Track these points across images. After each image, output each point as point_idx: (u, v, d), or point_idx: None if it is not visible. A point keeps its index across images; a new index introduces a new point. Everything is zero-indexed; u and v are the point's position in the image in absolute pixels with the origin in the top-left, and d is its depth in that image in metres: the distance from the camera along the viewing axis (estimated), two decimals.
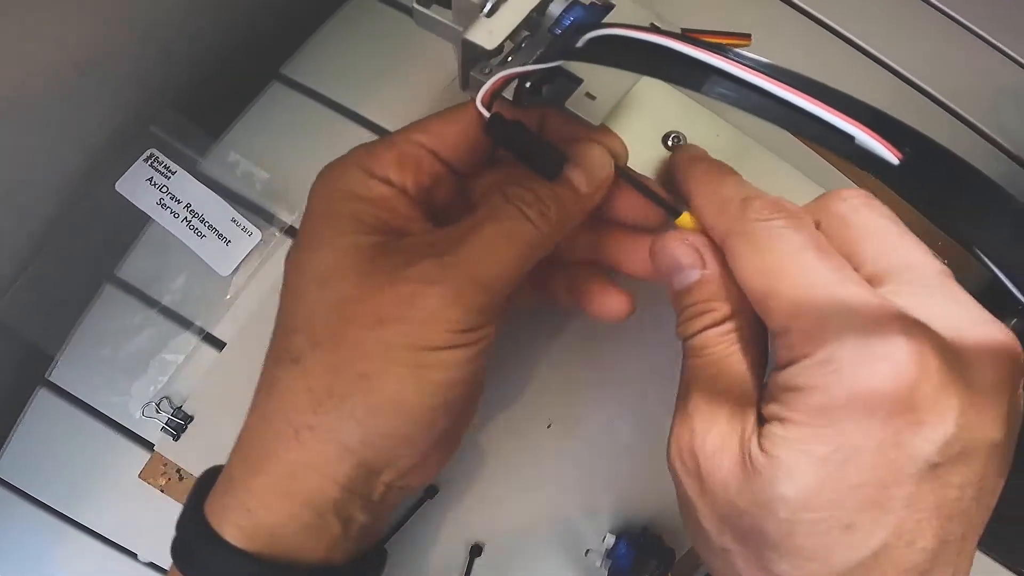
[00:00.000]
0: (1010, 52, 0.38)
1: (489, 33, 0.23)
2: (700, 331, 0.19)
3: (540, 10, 0.24)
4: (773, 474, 0.16)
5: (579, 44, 0.20)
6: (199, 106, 0.33)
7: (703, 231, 0.20)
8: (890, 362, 0.15)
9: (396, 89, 0.33)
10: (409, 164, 0.21)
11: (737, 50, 0.17)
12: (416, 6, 0.24)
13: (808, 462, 0.16)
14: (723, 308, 0.19)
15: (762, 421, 0.18)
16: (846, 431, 0.15)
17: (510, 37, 0.24)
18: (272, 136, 0.32)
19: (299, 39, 0.34)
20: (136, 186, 0.31)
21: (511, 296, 0.21)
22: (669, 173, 0.23)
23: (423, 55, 0.33)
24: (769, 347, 0.20)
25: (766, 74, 0.16)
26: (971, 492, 0.16)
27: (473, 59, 0.25)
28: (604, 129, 0.24)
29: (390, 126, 0.33)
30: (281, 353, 0.20)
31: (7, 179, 0.30)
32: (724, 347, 0.19)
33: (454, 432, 0.23)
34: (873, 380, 0.15)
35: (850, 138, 0.15)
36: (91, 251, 0.32)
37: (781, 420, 0.17)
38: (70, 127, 0.31)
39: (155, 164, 0.32)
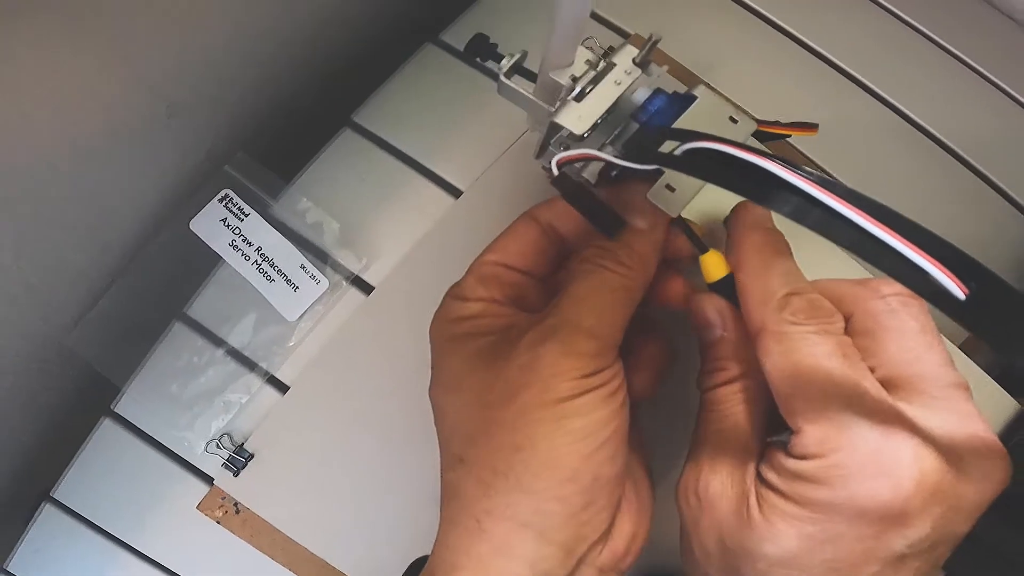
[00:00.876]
0: (1011, 91, 0.38)
1: (579, 118, 0.24)
2: (713, 387, 0.22)
3: (627, 98, 0.25)
4: (763, 534, 0.19)
5: (678, 152, 0.20)
6: (273, 149, 0.34)
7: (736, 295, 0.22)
8: (893, 479, 0.18)
9: (462, 143, 0.33)
10: (490, 281, 0.24)
11: (828, 179, 0.17)
12: (502, 78, 0.25)
13: (795, 534, 0.19)
14: (735, 369, 0.22)
15: (762, 479, 0.20)
16: (836, 522, 0.18)
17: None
18: (342, 183, 0.33)
19: (371, 86, 0.34)
20: (210, 226, 0.32)
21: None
22: (718, 220, 0.25)
23: (489, 110, 0.34)
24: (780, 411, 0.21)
25: (859, 207, 0.16)
26: (928, 567, 0.19)
27: (554, 134, 0.25)
28: None
29: (456, 181, 0.33)
30: (449, 461, 0.22)
31: (90, 213, 0.31)
32: (732, 405, 0.22)
33: (632, 492, 0.23)
34: (874, 493, 0.18)
35: (923, 272, 0.15)
36: (163, 287, 0.33)
37: (783, 495, 0.19)
38: (151, 165, 0.32)
39: (229, 205, 0.32)
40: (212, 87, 0.31)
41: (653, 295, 0.25)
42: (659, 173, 0.24)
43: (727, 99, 0.25)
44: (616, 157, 0.22)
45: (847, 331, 0.20)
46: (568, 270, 0.23)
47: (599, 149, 0.25)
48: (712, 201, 0.25)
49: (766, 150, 0.18)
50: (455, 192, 0.33)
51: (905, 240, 0.15)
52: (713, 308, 0.22)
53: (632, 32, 0.37)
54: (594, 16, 0.37)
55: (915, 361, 0.20)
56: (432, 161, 0.33)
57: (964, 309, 0.15)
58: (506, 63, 0.25)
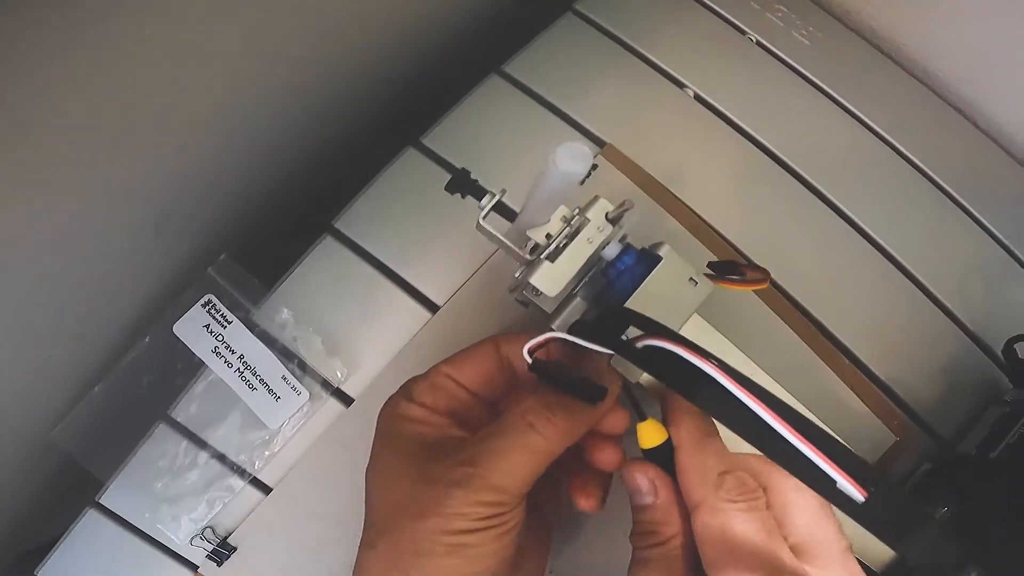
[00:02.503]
0: (988, 225, 0.41)
1: (552, 280, 0.26)
2: (645, 547, 0.25)
3: (598, 254, 0.27)
4: None
5: (639, 346, 0.22)
6: (255, 247, 0.35)
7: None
8: None
9: (440, 255, 0.35)
10: (439, 390, 0.27)
11: (775, 397, 0.20)
12: (480, 221, 0.27)
13: None
14: (667, 530, 0.24)
15: None
16: None
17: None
18: (322, 293, 0.34)
19: (351, 191, 0.35)
20: (193, 331, 0.33)
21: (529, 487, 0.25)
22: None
23: (467, 222, 0.35)
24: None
25: (789, 422, 0.19)
26: None
27: (527, 285, 0.27)
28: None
29: (433, 295, 0.35)
30: (365, 538, 0.25)
31: (76, 319, 0.32)
32: (663, 563, 0.24)
33: None
34: None
35: (832, 481, 0.18)
36: (147, 388, 0.34)
37: None
38: (138, 272, 0.32)
39: (212, 311, 0.33)
40: (199, 194, 0.32)
41: (588, 454, 0.27)
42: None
43: (686, 261, 0.27)
44: (581, 338, 0.24)
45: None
46: (506, 407, 0.26)
47: (568, 299, 0.27)
48: None
49: (721, 360, 0.20)
50: (432, 307, 0.35)
51: (825, 455, 0.18)
52: (646, 477, 0.25)
53: (607, 140, 0.39)
54: (569, 121, 0.39)
55: (817, 531, 0.24)
56: (410, 273, 0.35)
57: (862, 510, 0.18)
58: (486, 203, 0.27)
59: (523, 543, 0.25)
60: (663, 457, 0.25)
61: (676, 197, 0.38)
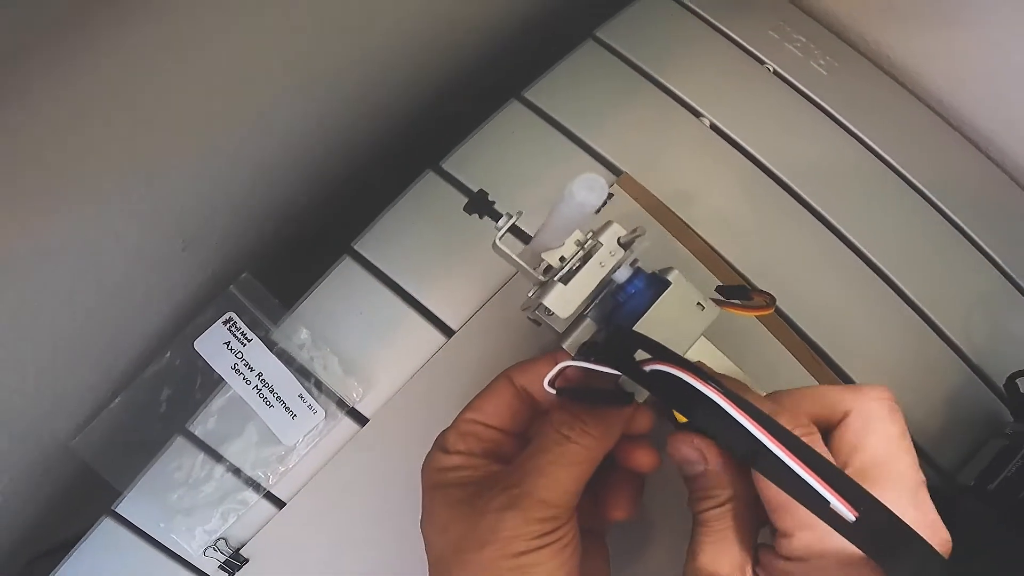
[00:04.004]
0: (997, 259, 0.41)
1: (565, 303, 0.26)
2: (705, 511, 0.25)
3: (609, 277, 0.27)
4: None
5: (646, 370, 0.23)
6: (277, 266, 0.36)
7: None
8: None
9: (456, 279, 0.35)
10: (469, 436, 0.28)
11: (772, 420, 0.21)
12: (496, 241, 0.27)
13: None
14: (723, 494, 0.25)
15: None
16: None
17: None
18: (340, 315, 0.35)
19: (370, 214, 0.36)
20: (213, 347, 0.34)
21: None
22: None
23: (484, 246, 0.36)
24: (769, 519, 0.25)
25: (789, 448, 0.20)
26: None
27: (540, 305, 0.27)
28: None
29: (448, 319, 0.35)
30: None
31: (102, 337, 0.32)
32: (723, 523, 0.25)
33: None
34: None
35: (825, 501, 0.20)
36: (166, 402, 0.34)
37: None
38: (162, 291, 0.33)
39: (232, 329, 0.34)
40: (224, 216, 0.33)
41: (623, 459, 0.28)
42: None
43: (694, 287, 0.28)
44: (591, 358, 0.25)
45: (842, 426, 0.24)
46: (538, 429, 0.26)
47: (579, 320, 0.28)
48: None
49: (721, 384, 0.21)
50: (447, 331, 0.35)
51: (822, 480, 0.20)
52: (691, 447, 0.25)
53: (623, 169, 0.39)
54: (586, 149, 0.40)
55: (892, 460, 0.24)
56: (427, 297, 0.35)
57: (853, 529, 0.19)
58: (503, 224, 0.27)
59: (585, 567, 0.26)
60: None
61: (687, 225, 0.39)
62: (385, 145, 0.41)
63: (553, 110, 0.40)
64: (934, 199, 0.42)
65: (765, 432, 0.20)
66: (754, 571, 0.24)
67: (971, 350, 0.39)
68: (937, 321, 0.39)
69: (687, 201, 0.39)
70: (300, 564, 0.35)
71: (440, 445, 0.28)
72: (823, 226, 0.40)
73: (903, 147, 0.43)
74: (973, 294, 0.40)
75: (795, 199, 0.41)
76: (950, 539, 0.23)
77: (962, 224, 0.42)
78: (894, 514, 0.20)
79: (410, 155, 0.39)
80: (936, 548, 0.22)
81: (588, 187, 0.21)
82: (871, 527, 0.19)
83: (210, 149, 0.30)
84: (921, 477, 0.24)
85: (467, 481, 0.26)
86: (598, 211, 0.22)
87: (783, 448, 0.20)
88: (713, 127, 0.42)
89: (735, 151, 0.41)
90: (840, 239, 0.40)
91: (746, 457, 0.21)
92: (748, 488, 0.25)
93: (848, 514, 0.19)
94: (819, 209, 0.40)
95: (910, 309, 0.39)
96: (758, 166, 0.41)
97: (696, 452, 0.25)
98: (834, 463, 0.20)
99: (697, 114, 0.42)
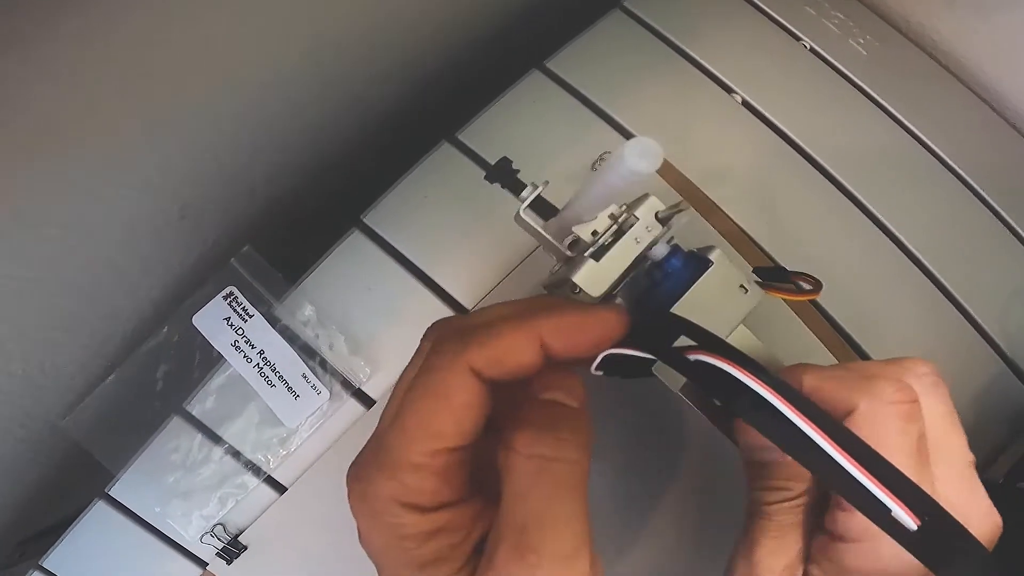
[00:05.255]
0: None
1: (596, 281, 0.24)
2: (772, 503, 0.22)
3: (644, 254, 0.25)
4: None
5: (691, 359, 0.21)
6: (280, 240, 0.34)
7: None
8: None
9: (471, 256, 0.33)
10: (447, 473, 0.20)
11: (832, 421, 0.18)
12: (520, 212, 0.25)
13: None
14: (796, 487, 0.22)
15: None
16: None
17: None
18: (347, 290, 0.33)
19: (380, 188, 0.34)
20: (213, 323, 0.32)
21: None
22: None
23: (501, 222, 0.34)
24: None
25: (844, 448, 0.18)
26: None
27: (567, 283, 0.25)
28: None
29: (461, 298, 0.33)
30: None
31: (95, 313, 0.30)
32: (791, 517, 0.22)
33: None
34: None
35: (887, 509, 0.17)
36: (162, 380, 0.33)
37: None
38: (159, 263, 0.31)
39: (233, 304, 0.32)
40: (223, 185, 0.31)
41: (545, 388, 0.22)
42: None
43: (738, 267, 0.26)
44: (632, 345, 0.22)
45: None
46: (504, 465, 0.19)
47: (607, 300, 0.26)
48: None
49: (778, 381, 0.19)
50: (460, 310, 0.33)
51: (880, 482, 0.18)
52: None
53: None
54: (610, 122, 0.37)
55: (941, 438, 0.21)
56: (439, 273, 0.33)
57: (913, 538, 0.17)
58: (527, 194, 0.25)
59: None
60: None
61: (715, 204, 0.37)
62: (398, 115, 0.39)
63: (576, 81, 0.38)
64: (975, 186, 0.40)
65: (826, 436, 0.18)
66: (806, 568, 0.22)
67: (1006, 343, 0.37)
68: (973, 312, 0.37)
69: (716, 180, 0.37)
70: (301, 552, 0.33)
71: (404, 501, 0.19)
72: (858, 210, 0.38)
73: (945, 132, 0.41)
74: (1012, 286, 0.38)
75: (830, 181, 0.38)
76: (1002, 524, 0.21)
77: (1004, 213, 0.40)
78: (958, 523, 0.18)
79: (424, 126, 0.36)
80: (989, 534, 0.21)
81: (641, 153, 0.18)
82: (932, 537, 0.18)
83: (210, 110, 0.28)
84: (971, 456, 0.22)
85: (461, 552, 0.19)
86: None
87: (843, 453, 0.18)
88: (745, 104, 0.39)
89: (768, 129, 0.39)
90: (876, 224, 0.38)
91: (798, 456, 0.19)
92: (818, 483, 0.23)
93: (910, 523, 0.17)
94: (854, 192, 0.38)
95: (945, 299, 0.37)
96: (792, 146, 0.39)
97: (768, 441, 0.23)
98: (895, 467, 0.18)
99: (728, 90, 0.40)
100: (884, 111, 0.41)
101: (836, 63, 0.41)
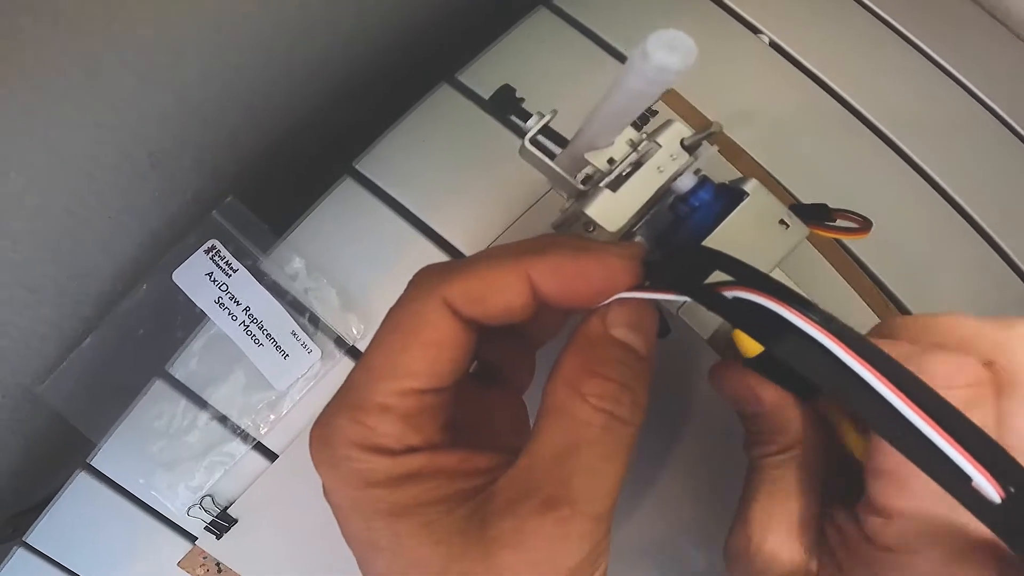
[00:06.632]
0: None
1: (613, 212, 0.21)
2: (762, 456, 0.21)
3: (667, 186, 0.22)
4: None
5: (728, 296, 0.17)
6: (266, 192, 0.31)
7: None
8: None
9: (473, 203, 0.31)
10: (419, 417, 0.18)
11: (904, 370, 0.15)
12: (526, 142, 0.22)
13: None
14: (783, 440, 0.20)
15: (831, 552, 0.19)
16: None
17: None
18: (339, 240, 0.30)
19: (378, 128, 0.31)
20: (195, 279, 0.30)
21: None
22: None
23: (505, 167, 0.31)
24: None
25: (916, 403, 0.14)
26: None
27: (579, 219, 0.23)
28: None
29: (463, 246, 0.31)
30: None
31: (63, 269, 0.28)
32: (782, 471, 0.20)
33: None
34: None
35: (967, 478, 0.14)
36: (143, 341, 0.30)
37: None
38: (133, 215, 0.29)
39: (216, 258, 0.30)
40: (198, 132, 0.28)
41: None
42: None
43: (778, 199, 0.23)
44: (656, 287, 0.19)
45: None
46: (553, 403, 0.17)
47: (626, 238, 0.23)
48: None
49: (840, 324, 0.16)
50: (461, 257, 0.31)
51: (956, 442, 0.14)
52: (743, 386, 0.20)
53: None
54: (618, 57, 0.34)
55: None
56: (438, 222, 0.30)
57: (996, 512, 0.14)
58: (533, 124, 0.22)
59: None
60: (770, 367, 0.21)
61: (742, 149, 0.34)
62: (394, 59, 0.36)
63: (586, 18, 0.35)
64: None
65: (896, 391, 0.14)
66: (823, 533, 0.19)
67: None
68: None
69: (742, 123, 0.34)
70: (294, 524, 0.31)
71: (368, 445, 0.17)
72: (898, 156, 0.35)
73: (990, 79, 0.37)
74: None
75: (865, 125, 0.35)
76: None
77: None
78: None
79: (423, 71, 0.34)
80: None
81: (668, 45, 0.15)
82: (1017, 510, 0.14)
83: (167, 42, 0.25)
84: None
85: (445, 498, 0.17)
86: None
87: (919, 411, 0.14)
88: (773, 45, 0.36)
89: (798, 72, 0.36)
90: (917, 171, 0.35)
91: (863, 412, 0.15)
92: (817, 432, 0.20)
93: (994, 494, 0.14)
94: (893, 138, 0.35)
95: (995, 254, 0.34)
96: (824, 88, 0.36)
97: (748, 392, 0.20)
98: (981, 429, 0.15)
99: (755, 31, 0.36)
100: (923, 54, 0.37)
101: (869, 3, 0.38)
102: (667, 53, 0.15)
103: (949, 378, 0.16)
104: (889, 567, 0.17)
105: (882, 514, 0.17)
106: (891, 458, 0.17)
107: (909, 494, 0.17)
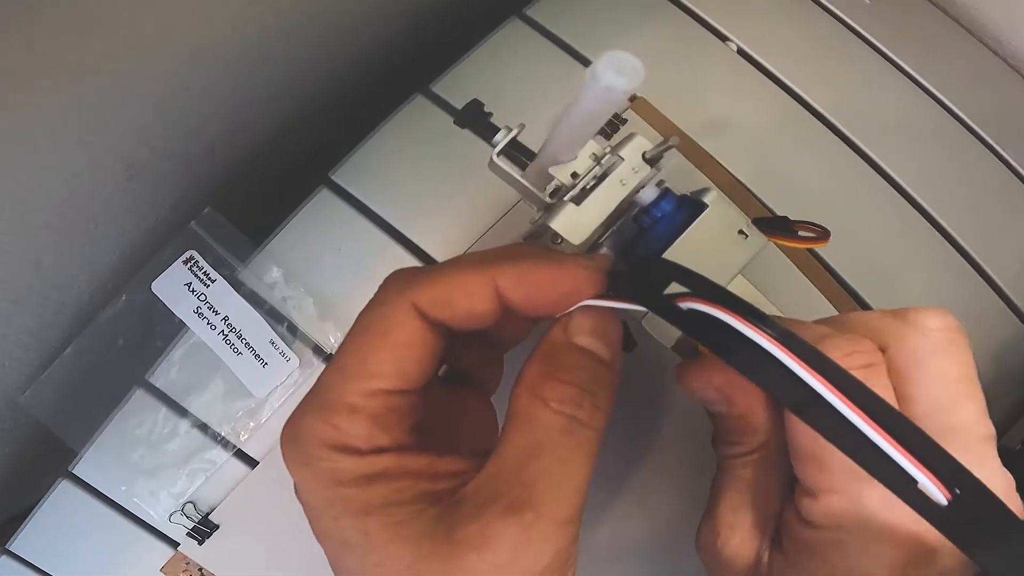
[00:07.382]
0: None
1: (576, 226, 0.22)
2: (729, 457, 0.21)
3: (631, 199, 0.23)
4: None
5: (683, 307, 0.18)
6: (244, 202, 0.32)
7: None
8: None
9: (448, 213, 0.31)
10: (386, 417, 0.18)
11: (851, 378, 0.16)
12: (494, 156, 0.23)
13: None
14: (750, 441, 0.20)
15: (776, 543, 0.20)
16: None
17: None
18: (316, 251, 0.31)
19: (354, 138, 0.32)
20: (173, 289, 0.30)
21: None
22: None
23: (479, 176, 0.31)
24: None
25: (862, 408, 0.15)
26: None
27: (546, 231, 0.23)
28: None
29: (437, 255, 0.31)
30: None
31: (43, 281, 0.29)
32: (749, 471, 0.21)
33: None
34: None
35: (913, 481, 0.15)
36: (123, 350, 0.31)
37: (791, 563, 0.19)
38: (111, 228, 0.29)
39: (194, 268, 0.30)
40: (175, 145, 0.29)
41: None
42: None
43: (737, 209, 0.23)
44: (615, 296, 0.20)
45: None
46: (518, 408, 0.18)
47: (592, 249, 0.24)
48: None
49: (783, 331, 0.16)
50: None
51: (905, 450, 0.15)
52: (711, 387, 0.20)
53: (638, 94, 0.35)
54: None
55: (952, 410, 0.18)
56: (414, 231, 0.31)
57: (942, 514, 0.15)
58: (501, 138, 0.23)
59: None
60: None
61: (712, 157, 0.34)
62: (370, 71, 0.37)
63: (558, 28, 0.35)
64: (990, 141, 0.38)
65: (844, 399, 0.15)
66: (775, 533, 0.20)
67: None
68: (988, 269, 0.35)
69: (712, 131, 0.35)
70: (276, 530, 0.31)
71: (337, 444, 0.17)
72: (864, 162, 0.36)
73: (955, 86, 0.38)
74: None
75: (833, 132, 0.36)
76: (1022, 506, 0.18)
77: (1018, 168, 0.37)
78: (996, 497, 0.15)
79: (398, 83, 0.34)
80: None
81: (616, 68, 0.16)
82: (964, 512, 0.15)
83: (145, 58, 0.25)
84: (989, 431, 0.19)
85: (414, 499, 0.17)
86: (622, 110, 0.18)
87: (866, 418, 0.15)
88: (741, 52, 0.37)
89: (766, 79, 0.37)
90: (883, 176, 0.36)
91: (809, 421, 0.16)
92: (782, 431, 0.20)
93: (940, 497, 0.15)
94: (860, 144, 0.36)
95: (959, 255, 0.35)
96: (791, 96, 0.36)
97: (717, 393, 0.20)
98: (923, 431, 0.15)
99: (723, 38, 0.37)
100: (889, 60, 0.38)
101: (837, 11, 0.39)
102: (615, 75, 0.16)
103: (848, 357, 0.18)
104: (824, 545, 0.18)
105: (809, 494, 0.18)
106: (808, 439, 0.18)
107: (828, 470, 0.18)
